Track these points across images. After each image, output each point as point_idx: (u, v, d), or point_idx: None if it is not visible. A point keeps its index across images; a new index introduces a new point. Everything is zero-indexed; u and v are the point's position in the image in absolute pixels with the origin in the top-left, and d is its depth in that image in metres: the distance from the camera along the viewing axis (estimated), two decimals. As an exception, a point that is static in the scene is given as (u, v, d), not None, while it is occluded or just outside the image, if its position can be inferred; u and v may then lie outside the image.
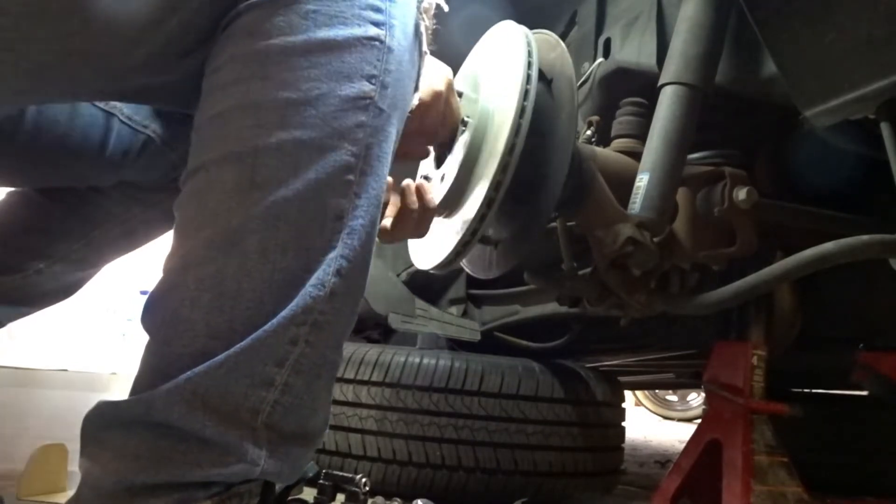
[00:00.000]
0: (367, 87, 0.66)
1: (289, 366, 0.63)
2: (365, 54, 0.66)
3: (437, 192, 0.98)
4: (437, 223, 1.01)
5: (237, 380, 0.61)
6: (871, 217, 1.19)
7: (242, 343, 0.61)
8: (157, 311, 0.64)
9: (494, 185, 0.91)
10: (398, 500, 1.34)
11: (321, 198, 0.64)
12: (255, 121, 0.63)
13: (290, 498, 0.77)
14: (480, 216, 0.93)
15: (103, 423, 0.62)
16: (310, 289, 0.63)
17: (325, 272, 0.64)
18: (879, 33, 0.75)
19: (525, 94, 0.92)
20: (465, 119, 0.97)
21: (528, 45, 0.96)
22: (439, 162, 1.02)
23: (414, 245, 1.11)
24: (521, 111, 0.91)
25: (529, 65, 0.94)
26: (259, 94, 0.63)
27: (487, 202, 0.92)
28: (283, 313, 0.62)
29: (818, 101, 0.82)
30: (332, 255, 0.64)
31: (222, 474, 0.61)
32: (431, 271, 1.05)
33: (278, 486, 0.69)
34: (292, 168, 0.63)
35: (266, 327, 0.62)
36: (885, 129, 0.83)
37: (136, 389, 0.63)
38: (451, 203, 0.98)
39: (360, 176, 0.66)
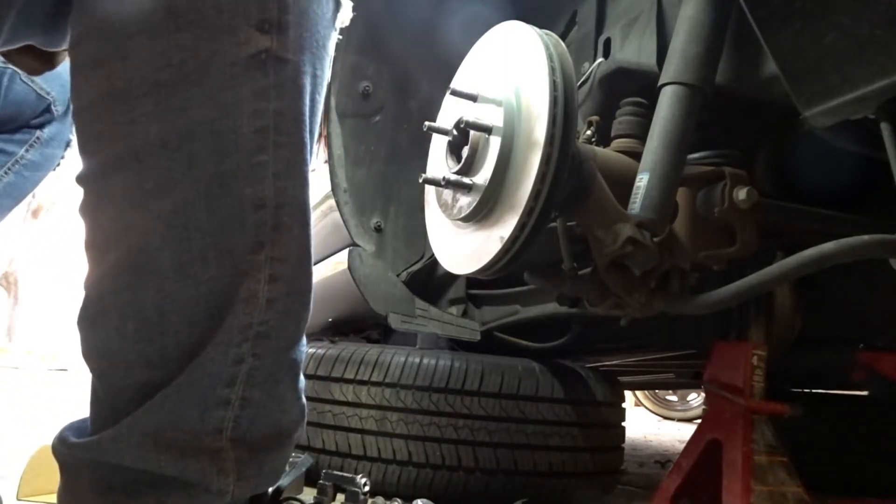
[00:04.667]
0: (257, 36, 0.52)
1: (241, 382, 0.57)
2: None
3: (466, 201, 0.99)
4: (467, 230, 1.03)
5: (186, 410, 0.56)
6: (871, 217, 1.19)
7: (180, 378, 0.55)
8: (89, 340, 0.58)
9: (534, 195, 0.93)
10: (398, 500, 1.34)
11: (231, 191, 0.54)
12: (125, 115, 0.52)
13: (287, 497, 0.77)
14: (521, 225, 0.94)
15: (67, 454, 0.59)
16: (241, 305, 0.56)
17: (255, 280, 0.56)
18: (879, 33, 0.75)
19: (554, 102, 0.92)
20: (491, 125, 0.97)
21: (548, 48, 0.96)
22: (466, 167, 1.01)
23: (442, 251, 1.11)
24: (552, 119, 0.92)
25: (553, 70, 0.94)
26: (122, 78, 0.52)
27: (528, 211, 0.93)
28: (217, 338, 0.55)
29: (818, 101, 0.82)
30: (261, 255, 0.56)
31: None
32: (470, 276, 1.06)
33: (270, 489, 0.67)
34: (185, 165, 0.52)
35: (201, 358, 0.55)
36: (885, 129, 0.83)
37: (94, 422, 0.59)
38: (483, 210, 0.99)
39: (274, 151, 0.55)
